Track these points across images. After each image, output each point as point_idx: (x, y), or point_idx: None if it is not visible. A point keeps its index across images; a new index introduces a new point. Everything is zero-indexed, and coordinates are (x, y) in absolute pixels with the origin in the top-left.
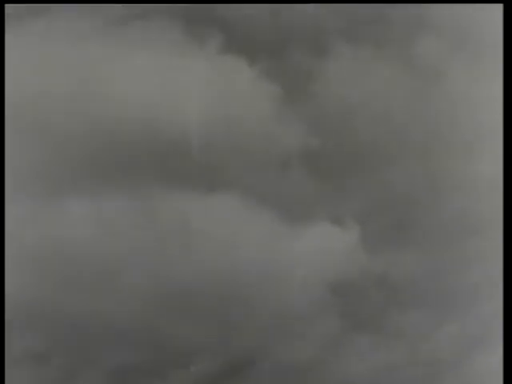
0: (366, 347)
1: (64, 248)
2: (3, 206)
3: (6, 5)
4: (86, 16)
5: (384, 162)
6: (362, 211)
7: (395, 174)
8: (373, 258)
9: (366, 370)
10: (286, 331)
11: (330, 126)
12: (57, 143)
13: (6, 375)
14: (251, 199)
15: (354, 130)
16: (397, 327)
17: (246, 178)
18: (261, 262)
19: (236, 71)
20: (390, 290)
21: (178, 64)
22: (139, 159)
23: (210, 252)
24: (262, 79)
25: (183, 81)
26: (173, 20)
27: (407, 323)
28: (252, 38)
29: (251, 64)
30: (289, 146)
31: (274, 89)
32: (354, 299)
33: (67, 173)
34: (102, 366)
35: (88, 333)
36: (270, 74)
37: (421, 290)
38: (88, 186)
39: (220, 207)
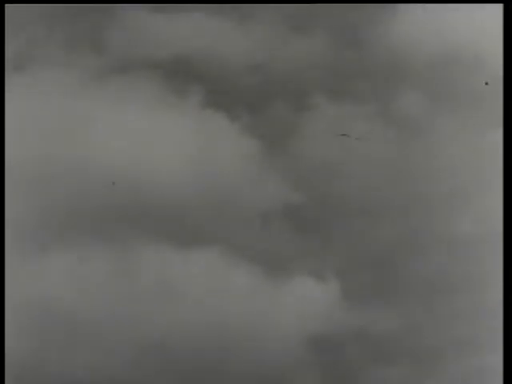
0: None
1: (46, 305)
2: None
3: (6, 5)
4: (70, 69)
5: (365, 219)
6: (343, 266)
7: (376, 230)
8: (353, 312)
9: None
10: None
11: (312, 181)
12: (40, 203)
13: None
14: (232, 253)
15: (335, 186)
16: (376, 383)
17: (227, 232)
18: (240, 316)
19: (217, 126)
20: (369, 345)
21: (160, 119)
22: (120, 216)
23: (188, 306)
24: (243, 134)
25: (164, 135)
26: (154, 74)
27: (387, 379)
28: (233, 93)
29: (233, 119)
30: (270, 200)
31: (256, 144)
32: (334, 354)
33: (50, 230)
34: None
35: None
36: (251, 130)
37: (401, 346)
38: (70, 242)
39: (200, 261)
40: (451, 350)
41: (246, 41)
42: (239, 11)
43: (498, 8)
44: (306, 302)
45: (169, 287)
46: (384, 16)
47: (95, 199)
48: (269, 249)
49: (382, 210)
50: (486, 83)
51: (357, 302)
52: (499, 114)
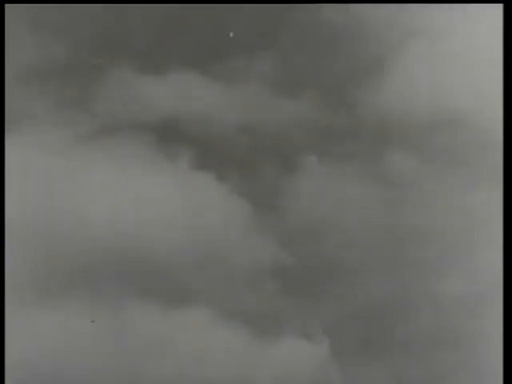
0: None
1: (34, 364)
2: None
3: (6, 5)
4: (59, 129)
5: (354, 277)
6: (332, 325)
7: (365, 289)
8: (342, 371)
9: None
10: None
11: (300, 240)
12: (27, 258)
13: None
14: (220, 314)
15: (324, 246)
16: None
17: (215, 292)
18: (229, 375)
19: (207, 187)
20: None
21: (150, 179)
22: (109, 274)
23: (175, 366)
24: (232, 195)
25: (155, 196)
26: (143, 135)
27: None
28: (222, 154)
29: (222, 180)
30: (259, 260)
31: (245, 204)
32: None
33: (38, 287)
34: None
35: None
36: (240, 190)
37: None
38: (61, 300)
39: (188, 321)
40: None
41: (235, 102)
42: (228, 71)
43: (498, 8)
44: (296, 362)
45: (156, 347)
46: (373, 77)
47: (83, 257)
48: (257, 309)
49: (371, 269)
50: None
51: (347, 362)
52: (488, 175)
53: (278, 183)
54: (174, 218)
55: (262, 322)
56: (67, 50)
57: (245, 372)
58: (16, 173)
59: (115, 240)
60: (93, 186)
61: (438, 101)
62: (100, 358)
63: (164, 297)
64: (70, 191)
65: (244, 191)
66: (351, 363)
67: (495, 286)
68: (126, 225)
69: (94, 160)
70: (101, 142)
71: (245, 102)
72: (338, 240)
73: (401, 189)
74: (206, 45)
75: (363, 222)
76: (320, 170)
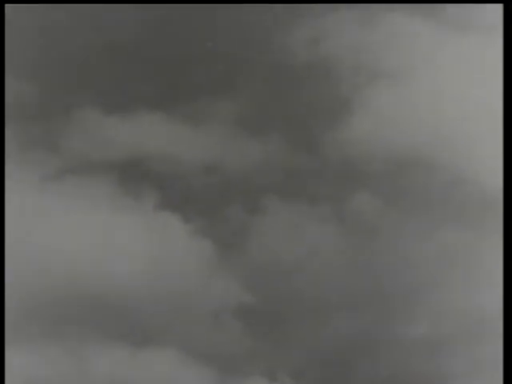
0: None
1: None
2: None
3: (6, 5)
4: (24, 168)
5: (319, 318)
6: (297, 367)
7: (329, 329)
8: None
9: None
10: None
11: (265, 282)
12: None
13: None
14: (184, 354)
15: (287, 286)
16: None
17: (178, 332)
18: None
19: (171, 227)
20: None
21: (114, 220)
22: (72, 314)
23: None
24: (197, 235)
25: (119, 237)
26: (109, 176)
27: None
28: (187, 195)
29: (186, 220)
30: (223, 301)
31: (209, 245)
32: None
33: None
34: None
35: None
36: (204, 230)
37: None
38: (21, 340)
39: (151, 362)
40: None
41: (200, 142)
42: (193, 112)
43: (498, 8)
44: None
45: None
46: (339, 118)
47: (43, 297)
48: (221, 350)
49: (335, 309)
50: None
51: None
52: (455, 216)
53: (243, 224)
54: (138, 258)
55: (226, 363)
56: (31, 90)
57: None
58: None
59: (77, 280)
60: (55, 225)
61: (404, 143)
62: None
63: (127, 338)
64: (35, 229)
65: (208, 231)
66: None
67: (461, 327)
68: (88, 265)
69: (58, 200)
70: (65, 182)
71: (210, 143)
72: (302, 281)
73: (365, 229)
74: (171, 86)
75: (327, 263)
76: (284, 211)
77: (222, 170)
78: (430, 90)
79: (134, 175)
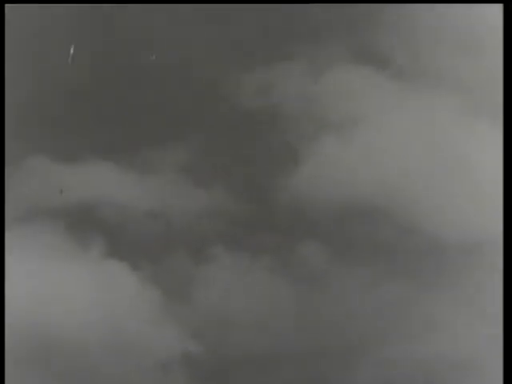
0: None
1: None
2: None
3: (6, 5)
4: None
5: (266, 368)
6: None
7: (277, 381)
8: None
9: None
10: None
11: (210, 330)
12: None
13: None
14: None
15: (236, 336)
16: None
17: (126, 380)
18: None
19: (119, 276)
20: None
21: (63, 267)
22: (16, 361)
23: None
24: (143, 284)
25: (65, 285)
26: (58, 224)
27: None
28: (135, 243)
29: (134, 269)
30: (169, 349)
31: (156, 293)
32: None
33: None
34: None
35: None
36: (151, 279)
37: None
38: None
39: None
40: None
41: (147, 191)
42: (141, 161)
43: (498, 8)
44: None
45: None
46: (287, 167)
47: None
48: None
49: (280, 360)
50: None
51: None
52: (403, 266)
53: (190, 273)
54: (85, 306)
55: None
56: None
57: None
58: None
59: (24, 329)
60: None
61: (351, 193)
62: None
63: None
64: None
65: (156, 280)
66: None
67: (409, 375)
68: (34, 313)
69: (7, 247)
70: (12, 231)
71: (158, 191)
72: (249, 331)
73: (312, 279)
74: (118, 135)
75: (274, 313)
76: (231, 261)
77: (169, 218)
78: (377, 140)
79: (81, 223)
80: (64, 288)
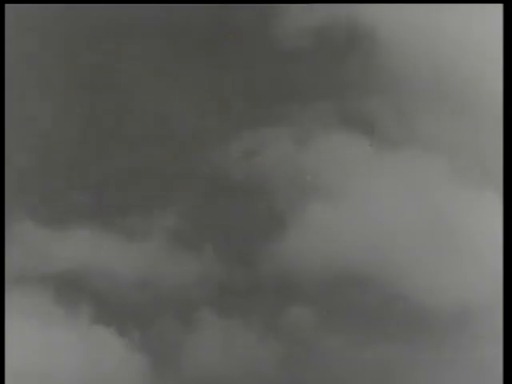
0: None
1: None
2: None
3: (6, 5)
4: None
5: None
6: None
7: None
8: None
9: None
10: None
11: None
12: None
13: None
14: None
15: None
16: None
17: None
18: None
19: (106, 341)
20: None
21: (49, 333)
22: None
23: None
24: (132, 349)
25: (53, 350)
26: (44, 289)
27: None
28: (123, 308)
29: (122, 334)
30: None
31: (144, 359)
32: None
33: None
34: None
35: None
36: (140, 345)
37: None
38: None
39: None
40: None
41: (135, 256)
42: (128, 226)
43: (498, 8)
44: None
45: None
46: (274, 232)
47: None
48: None
49: None
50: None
51: None
52: (390, 332)
53: (177, 338)
54: (73, 372)
55: None
56: None
57: None
58: None
59: None
60: None
61: (338, 257)
62: None
63: None
64: None
65: (143, 346)
66: None
67: None
68: (23, 378)
69: None
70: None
71: (145, 257)
72: None
73: (299, 344)
74: (106, 200)
75: (262, 378)
76: (219, 326)
77: (156, 283)
78: (364, 205)
79: (69, 289)
80: (50, 354)
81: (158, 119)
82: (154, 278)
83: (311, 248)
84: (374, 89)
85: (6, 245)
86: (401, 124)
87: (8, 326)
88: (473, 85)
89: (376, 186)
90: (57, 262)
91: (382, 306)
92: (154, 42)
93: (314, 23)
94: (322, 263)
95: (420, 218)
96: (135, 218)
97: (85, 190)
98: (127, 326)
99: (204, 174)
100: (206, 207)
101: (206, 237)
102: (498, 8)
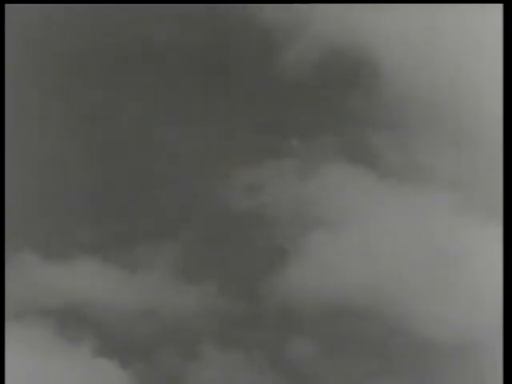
0: None
1: None
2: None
3: (6, 5)
4: None
5: None
6: None
7: None
8: None
9: None
10: None
11: None
12: None
13: None
14: None
15: None
16: None
17: None
18: None
19: (109, 374)
20: None
21: (49, 367)
22: None
23: None
24: (134, 382)
25: (55, 382)
26: (47, 321)
27: None
28: (125, 341)
29: (124, 366)
30: None
31: None
32: None
33: None
34: None
35: None
36: (141, 377)
37: None
38: None
39: None
40: None
41: (137, 288)
42: (130, 258)
43: (498, 8)
44: None
45: None
46: (276, 265)
47: None
48: None
49: None
50: None
51: None
52: (393, 367)
53: (180, 370)
54: None
55: None
56: None
57: None
58: None
59: None
60: None
61: (340, 291)
62: None
63: None
64: None
65: (146, 378)
66: None
67: None
68: None
69: None
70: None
71: (147, 289)
72: None
73: (301, 378)
74: (108, 232)
75: None
76: (220, 359)
77: (159, 315)
78: (367, 239)
79: (71, 321)
80: None
81: (160, 153)
82: (156, 310)
83: (313, 280)
84: (375, 120)
85: (6, 277)
86: (403, 156)
87: (8, 359)
88: (472, 107)
89: (378, 219)
90: (58, 294)
91: (383, 339)
92: (152, 71)
93: (317, 56)
94: (323, 296)
95: (421, 252)
96: (137, 251)
97: (86, 221)
98: (130, 359)
99: (206, 206)
100: (208, 240)
101: (209, 269)
102: (498, 8)
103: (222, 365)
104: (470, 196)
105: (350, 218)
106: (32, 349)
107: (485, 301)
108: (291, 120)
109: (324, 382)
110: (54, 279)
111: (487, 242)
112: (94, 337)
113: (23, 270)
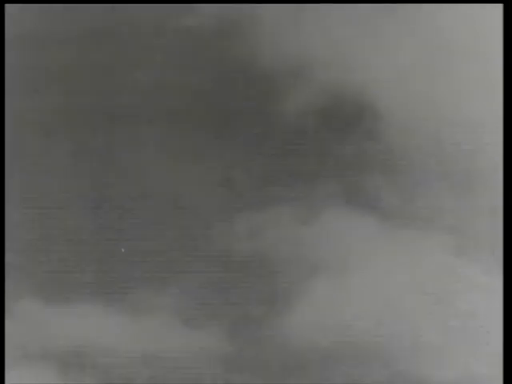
0: None
1: None
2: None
3: (6, 5)
4: None
5: None
6: None
7: None
8: None
9: None
10: None
11: None
12: None
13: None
14: None
15: None
16: None
17: None
18: None
19: None
20: None
21: None
22: None
23: None
24: None
25: None
26: (46, 366)
27: None
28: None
29: None
30: None
31: None
32: None
33: None
34: None
35: None
36: None
37: None
38: None
39: None
40: None
41: (140, 333)
42: (133, 303)
43: (498, 8)
44: None
45: None
46: (280, 309)
47: None
48: None
49: None
50: None
51: None
52: None
53: None
54: None
55: None
56: None
57: None
58: None
59: None
60: None
61: (344, 335)
62: None
63: None
64: None
65: None
66: None
67: None
68: None
69: None
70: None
71: (149, 333)
72: None
73: None
74: (109, 276)
75: None
76: None
77: (160, 360)
78: (368, 283)
79: (72, 366)
80: None
81: (161, 198)
82: (157, 355)
83: (316, 325)
84: (374, 165)
85: (7, 322)
86: (403, 201)
87: None
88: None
89: (379, 264)
90: (59, 338)
91: (387, 380)
92: (152, 118)
93: (318, 102)
94: (327, 340)
95: (423, 296)
96: (139, 295)
97: (88, 266)
98: None
99: (208, 252)
100: (209, 285)
101: (210, 314)
102: (498, 8)
103: None
104: (469, 240)
105: (351, 263)
106: None
107: (486, 343)
108: (291, 165)
109: None
110: (55, 324)
111: (487, 285)
112: (95, 381)
113: (23, 314)
